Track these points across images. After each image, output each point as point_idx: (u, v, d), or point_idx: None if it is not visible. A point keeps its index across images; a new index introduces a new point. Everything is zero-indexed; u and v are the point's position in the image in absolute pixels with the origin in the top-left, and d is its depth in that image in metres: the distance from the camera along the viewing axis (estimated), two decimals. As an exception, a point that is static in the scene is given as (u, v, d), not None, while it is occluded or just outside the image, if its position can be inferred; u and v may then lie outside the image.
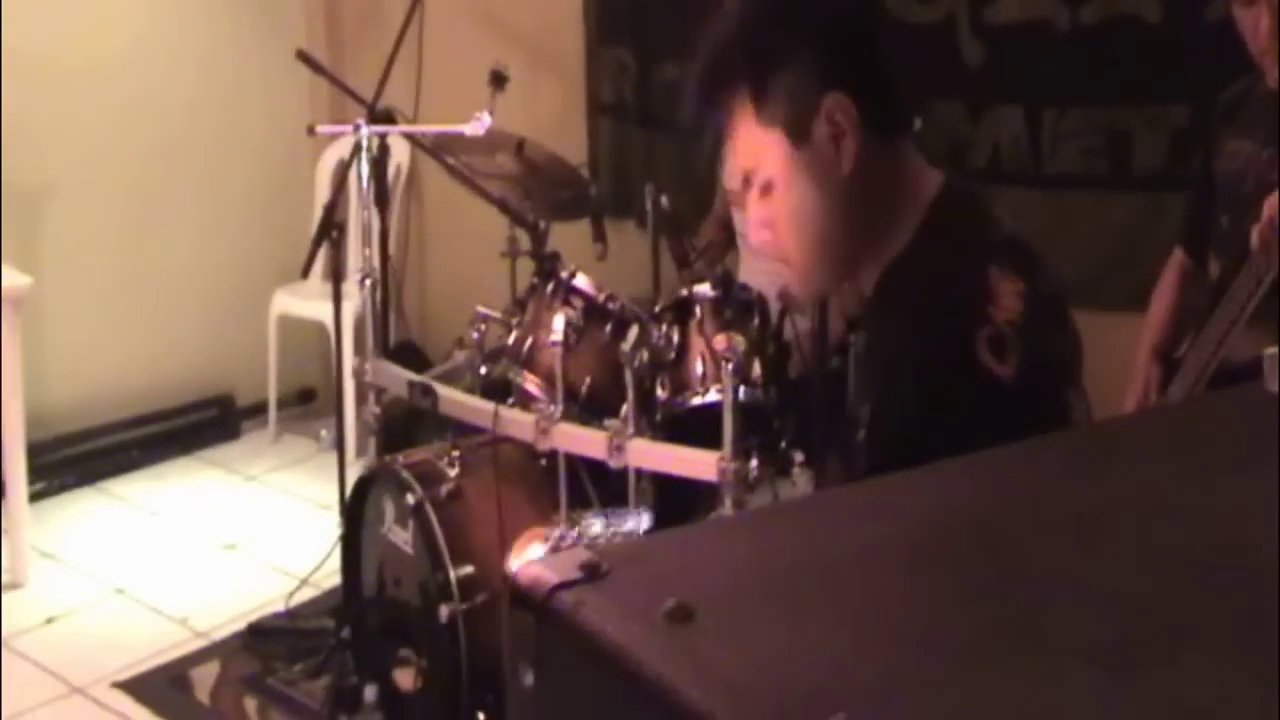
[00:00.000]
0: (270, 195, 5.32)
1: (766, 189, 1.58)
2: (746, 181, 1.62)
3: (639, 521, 1.50)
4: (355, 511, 3.54)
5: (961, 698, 0.66)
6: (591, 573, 0.78)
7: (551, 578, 0.78)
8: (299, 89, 5.27)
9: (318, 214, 5.13)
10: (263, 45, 5.23)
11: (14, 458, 4.18)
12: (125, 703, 3.58)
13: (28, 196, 4.67)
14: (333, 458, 4.89)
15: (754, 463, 3.00)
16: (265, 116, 5.30)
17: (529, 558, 1.42)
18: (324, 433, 5.16)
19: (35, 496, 4.36)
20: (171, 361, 5.12)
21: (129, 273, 5.00)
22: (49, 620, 3.98)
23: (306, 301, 5.05)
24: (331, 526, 4.31)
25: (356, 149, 3.75)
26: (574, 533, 1.46)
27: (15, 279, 4.23)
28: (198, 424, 5.17)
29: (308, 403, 5.40)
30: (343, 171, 4.12)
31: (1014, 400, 1.43)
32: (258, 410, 5.26)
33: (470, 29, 4.85)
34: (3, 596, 4.07)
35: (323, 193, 5.19)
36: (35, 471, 4.36)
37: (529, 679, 0.79)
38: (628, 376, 3.28)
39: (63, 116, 4.76)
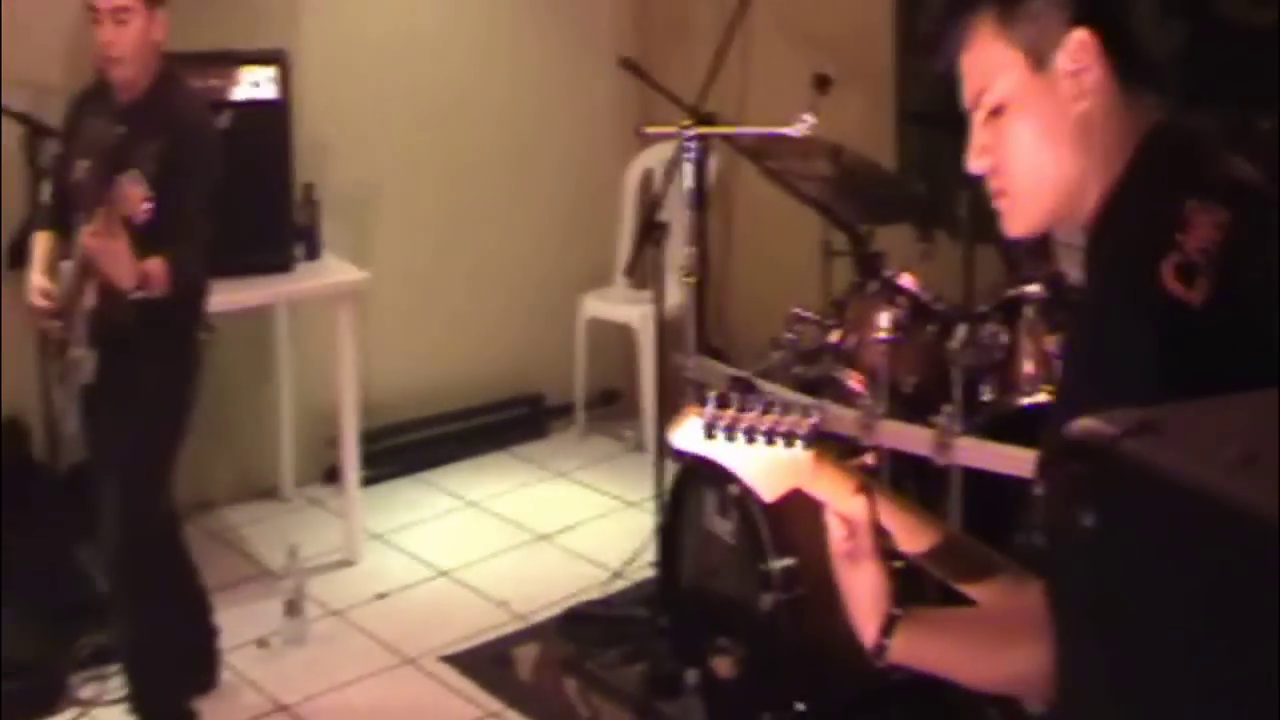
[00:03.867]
0: (581, 201, 5.50)
1: (996, 112, 1.57)
2: (975, 104, 1.61)
3: (809, 413, 1.49)
4: (675, 501, 3.63)
5: None
6: (1147, 426, 0.82)
7: (1112, 429, 0.82)
8: (610, 95, 5.44)
9: (626, 220, 5.33)
10: (575, 53, 5.42)
11: (349, 445, 4.45)
12: (452, 675, 3.77)
13: (356, 197, 4.95)
14: (638, 458, 5.08)
15: (1087, 463, 2.97)
16: (578, 123, 5.49)
17: (689, 430, 1.47)
18: (628, 434, 5.30)
19: (365, 482, 4.60)
20: (486, 361, 5.35)
21: (448, 273, 5.25)
22: (380, 596, 4.21)
23: (613, 305, 5.21)
24: (639, 522, 4.45)
25: (681, 151, 3.87)
26: (733, 410, 1.48)
27: (352, 274, 4.50)
28: (509, 421, 5.38)
29: (611, 404, 5.55)
30: (663, 173, 4.24)
31: (1201, 325, 1.40)
32: (564, 410, 5.44)
33: (777, 36, 4.93)
34: (339, 573, 4.34)
35: (631, 199, 5.34)
36: (364, 459, 4.59)
37: (1089, 521, 0.83)
38: (954, 375, 3.29)
39: (389, 122, 5.03)
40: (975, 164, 1.61)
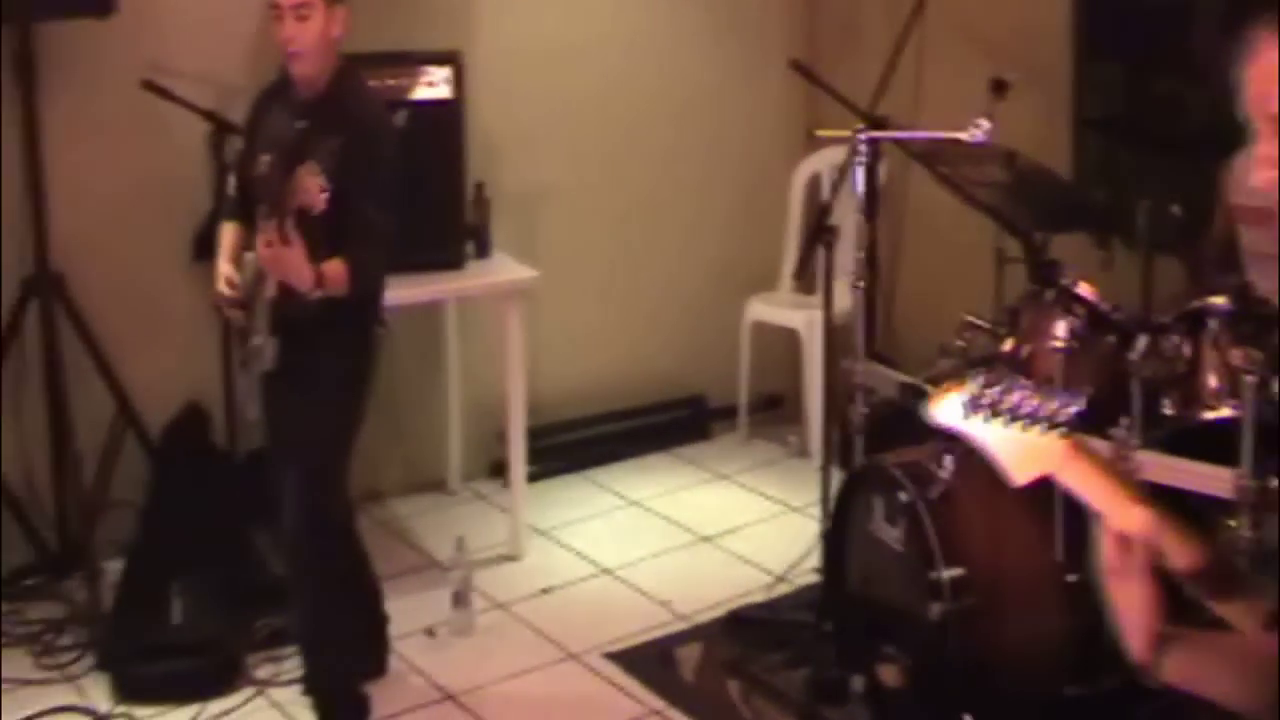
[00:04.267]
0: (748, 203, 5.50)
1: None
2: (1260, 112, 1.55)
3: (1070, 402, 1.46)
4: (841, 507, 3.61)
5: None
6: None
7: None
8: (778, 98, 5.43)
9: (792, 223, 5.31)
10: (744, 55, 5.40)
11: (516, 441, 4.52)
12: (615, 672, 3.80)
13: (526, 197, 5.01)
14: (800, 463, 5.08)
15: (1275, 483, 2.89)
16: (746, 125, 5.48)
17: (948, 405, 1.46)
18: (792, 439, 5.29)
19: (530, 478, 4.66)
20: (650, 361, 5.38)
21: (615, 273, 5.29)
22: (544, 591, 4.27)
23: (779, 309, 5.20)
24: (802, 528, 4.44)
25: (853, 154, 3.87)
26: (996, 390, 1.46)
27: (521, 272, 4.56)
28: (672, 422, 5.40)
29: (774, 408, 5.54)
30: (834, 177, 4.23)
31: None
32: (727, 413, 5.44)
33: (950, 40, 4.86)
34: (503, 567, 4.41)
35: (798, 202, 5.33)
36: (529, 455, 4.65)
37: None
38: (1133, 387, 3.21)
39: (559, 123, 5.08)
40: (1265, 176, 1.56)
